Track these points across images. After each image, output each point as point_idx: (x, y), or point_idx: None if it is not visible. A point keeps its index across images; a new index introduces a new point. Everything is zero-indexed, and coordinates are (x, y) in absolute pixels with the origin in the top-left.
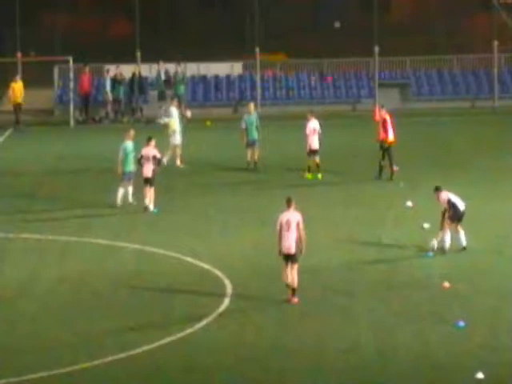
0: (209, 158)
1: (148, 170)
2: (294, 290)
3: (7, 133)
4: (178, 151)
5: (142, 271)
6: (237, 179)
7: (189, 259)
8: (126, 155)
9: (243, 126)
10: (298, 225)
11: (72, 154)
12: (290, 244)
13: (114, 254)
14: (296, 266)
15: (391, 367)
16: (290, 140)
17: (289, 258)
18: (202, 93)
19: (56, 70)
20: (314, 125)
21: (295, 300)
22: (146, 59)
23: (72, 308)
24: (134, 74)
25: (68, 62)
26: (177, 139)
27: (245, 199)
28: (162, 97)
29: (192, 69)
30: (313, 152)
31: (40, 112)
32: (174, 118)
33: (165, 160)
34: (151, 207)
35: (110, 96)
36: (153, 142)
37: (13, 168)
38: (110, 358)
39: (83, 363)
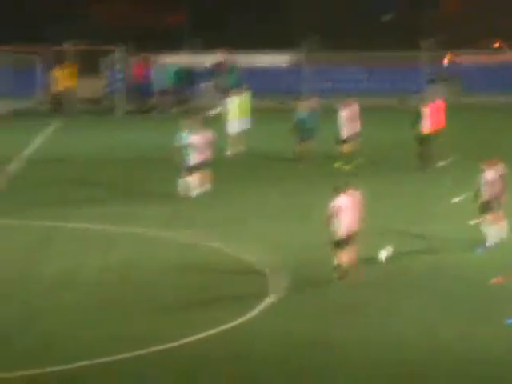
0: (256, 149)
1: (196, 157)
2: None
3: (56, 122)
4: (234, 141)
5: (188, 262)
6: (284, 170)
7: (234, 251)
8: (182, 144)
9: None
10: (353, 207)
11: (120, 144)
12: (349, 226)
13: (160, 245)
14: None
15: (437, 363)
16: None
17: (347, 241)
18: (249, 84)
19: (104, 60)
20: (345, 113)
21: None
22: (196, 49)
23: (116, 298)
24: (184, 65)
25: (118, 51)
26: (231, 129)
27: (291, 191)
28: (217, 87)
29: (240, 60)
30: (344, 141)
31: (89, 101)
32: (228, 108)
33: (229, 152)
34: (196, 191)
35: (159, 86)
36: (199, 131)
37: (61, 157)
38: (154, 349)
39: (125, 354)
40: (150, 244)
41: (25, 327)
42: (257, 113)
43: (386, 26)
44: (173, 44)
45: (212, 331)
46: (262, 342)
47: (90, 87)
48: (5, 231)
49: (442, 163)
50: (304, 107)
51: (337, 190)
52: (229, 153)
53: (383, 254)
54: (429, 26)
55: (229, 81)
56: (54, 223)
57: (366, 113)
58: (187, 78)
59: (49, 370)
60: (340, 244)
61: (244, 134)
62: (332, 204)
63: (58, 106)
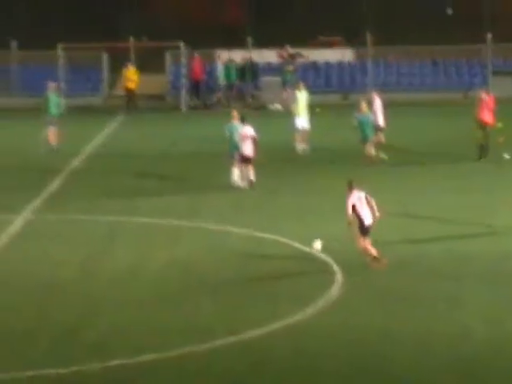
0: (318, 143)
1: (248, 148)
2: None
3: (120, 117)
4: (300, 135)
5: (251, 256)
6: (347, 164)
7: (296, 244)
8: (231, 136)
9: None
10: (366, 200)
11: (183, 139)
12: (369, 215)
13: (223, 238)
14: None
15: (502, 357)
16: (402, 127)
17: (369, 230)
18: (312, 79)
19: (168, 56)
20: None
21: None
22: (257, 45)
23: (181, 292)
24: (245, 60)
25: (180, 47)
26: (298, 124)
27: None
28: (284, 82)
29: (303, 55)
30: (381, 130)
31: (152, 97)
32: (295, 103)
33: (300, 148)
34: (248, 183)
35: (221, 81)
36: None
37: (125, 152)
38: (219, 342)
39: (192, 347)
40: (213, 237)
41: (90, 321)
42: (321, 108)
43: (450, 18)
44: (236, 39)
45: (276, 325)
46: (325, 335)
47: (154, 83)
48: (70, 226)
49: (507, 156)
50: (364, 109)
51: (350, 186)
52: (299, 148)
53: (317, 245)
54: (493, 19)
55: (291, 76)
56: (119, 218)
57: (431, 107)
58: (250, 73)
59: (114, 363)
60: (365, 232)
61: (307, 130)
62: (349, 201)
63: (126, 101)
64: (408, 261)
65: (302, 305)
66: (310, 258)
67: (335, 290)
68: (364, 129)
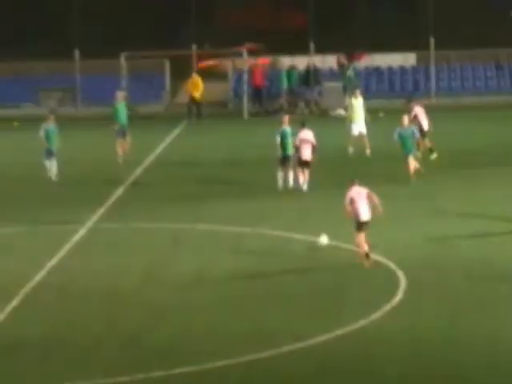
0: (381, 148)
1: (306, 153)
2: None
3: (182, 125)
4: (357, 140)
5: (315, 262)
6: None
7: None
8: (282, 140)
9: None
10: (367, 195)
11: (246, 145)
12: (366, 211)
13: (287, 245)
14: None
15: None
16: (465, 131)
17: (364, 225)
18: (375, 84)
19: (230, 63)
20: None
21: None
22: (319, 51)
23: (246, 298)
24: (308, 66)
25: (242, 54)
26: (354, 130)
27: (415, 188)
28: (346, 88)
29: (365, 60)
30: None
31: (215, 104)
32: (351, 110)
33: (351, 151)
34: (305, 187)
35: (284, 88)
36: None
37: (188, 159)
38: (285, 348)
39: (257, 353)
40: (277, 243)
41: (154, 328)
42: (385, 113)
43: None
44: (298, 45)
45: (341, 330)
46: (390, 340)
47: (217, 90)
48: (134, 234)
49: None
50: (406, 122)
51: (351, 182)
52: (351, 151)
53: (323, 240)
54: None
55: (351, 82)
56: (182, 225)
57: (494, 110)
58: (313, 78)
59: (179, 370)
60: (360, 227)
61: (364, 135)
62: (348, 194)
63: (188, 109)
64: (474, 265)
65: (366, 310)
66: (375, 265)
67: (399, 295)
68: (405, 143)
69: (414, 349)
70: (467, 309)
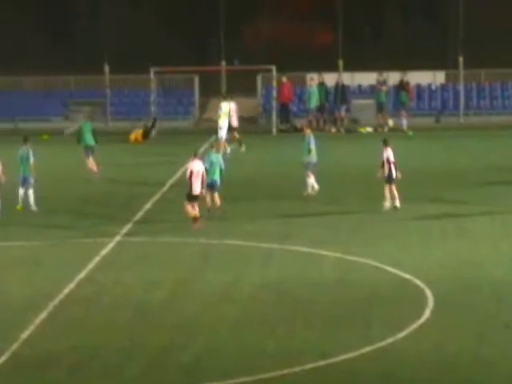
0: (412, 166)
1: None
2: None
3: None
4: None
5: (343, 279)
6: (438, 187)
7: (389, 268)
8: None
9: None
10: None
11: (273, 162)
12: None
13: (315, 262)
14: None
15: None
16: (493, 150)
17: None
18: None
19: (259, 79)
20: None
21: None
22: (348, 68)
23: (273, 314)
24: (337, 83)
25: (271, 70)
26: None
27: (446, 208)
28: (380, 108)
29: (394, 77)
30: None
31: (244, 120)
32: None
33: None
34: (397, 204)
35: (312, 104)
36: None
37: None
38: (309, 366)
39: (283, 370)
40: (305, 260)
41: (182, 343)
42: (414, 131)
43: None
44: (327, 62)
45: (367, 348)
46: (416, 360)
47: (246, 106)
48: (162, 249)
49: None
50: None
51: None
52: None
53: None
54: None
55: (379, 99)
56: (211, 240)
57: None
58: (340, 96)
59: None
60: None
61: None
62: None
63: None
64: (503, 287)
65: (393, 329)
66: (403, 283)
67: (427, 315)
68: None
69: (440, 370)
70: (495, 330)
